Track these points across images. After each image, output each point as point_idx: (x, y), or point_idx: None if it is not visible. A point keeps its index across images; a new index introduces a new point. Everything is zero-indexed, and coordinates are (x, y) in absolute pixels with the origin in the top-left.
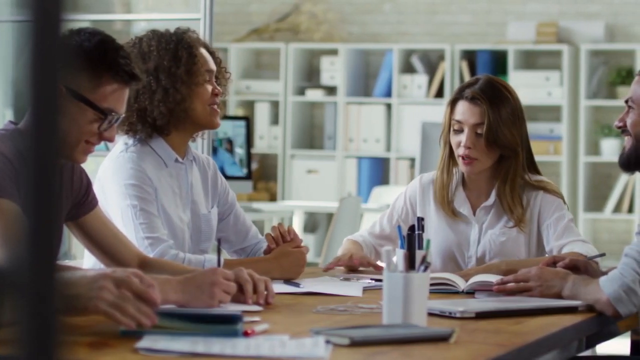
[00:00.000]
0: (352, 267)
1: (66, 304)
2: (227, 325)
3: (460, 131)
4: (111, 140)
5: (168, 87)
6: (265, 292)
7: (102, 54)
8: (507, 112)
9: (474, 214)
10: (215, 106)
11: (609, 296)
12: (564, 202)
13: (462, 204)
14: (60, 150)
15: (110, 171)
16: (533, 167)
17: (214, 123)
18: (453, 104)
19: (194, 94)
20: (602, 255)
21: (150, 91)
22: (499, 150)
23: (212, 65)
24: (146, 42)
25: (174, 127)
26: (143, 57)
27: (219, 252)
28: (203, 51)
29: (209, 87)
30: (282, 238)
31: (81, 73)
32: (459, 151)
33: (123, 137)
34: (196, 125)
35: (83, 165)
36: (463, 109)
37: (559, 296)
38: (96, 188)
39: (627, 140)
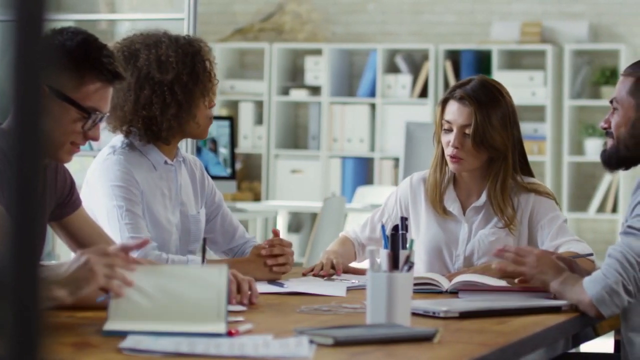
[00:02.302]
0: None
1: (71, 292)
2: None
3: (449, 131)
4: (96, 139)
5: (182, 103)
6: (249, 292)
7: (84, 53)
8: (497, 114)
9: (464, 213)
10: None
11: (592, 297)
12: (557, 203)
13: (452, 203)
14: (45, 150)
15: (98, 173)
16: (526, 169)
17: (206, 134)
18: (444, 103)
19: (201, 109)
20: (590, 254)
21: (163, 103)
22: (487, 152)
23: None
24: (164, 49)
25: (173, 137)
26: (159, 65)
27: (203, 251)
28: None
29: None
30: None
31: (64, 72)
32: (448, 150)
33: (115, 138)
34: (191, 136)
35: (67, 165)
36: (452, 109)
37: (545, 286)
38: (84, 190)
39: (609, 141)
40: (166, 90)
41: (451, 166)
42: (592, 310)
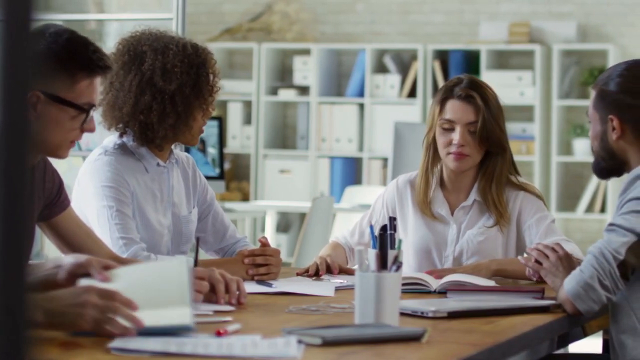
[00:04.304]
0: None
1: (51, 322)
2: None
3: (450, 130)
4: (92, 130)
5: (181, 114)
6: (237, 292)
7: (72, 53)
8: (495, 110)
9: (452, 214)
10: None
11: (568, 293)
12: (545, 204)
13: (440, 205)
14: (45, 149)
15: (89, 174)
16: (513, 168)
17: (197, 142)
18: (442, 103)
19: (198, 121)
20: None
21: (162, 112)
22: (489, 147)
23: None
24: (171, 57)
25: (167, 143)
26: (164, 73)
27: (196, 251)
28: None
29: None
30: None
31: (55, 75)
32: (450, 149)
33: (107, 139)
34: (183, 142)
35: (55, 165)
36: (455, 108)
37: (553, 287)
38: (75, 190)
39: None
40: (167, 100)
41: (453, 164)
42: (569, 306)
